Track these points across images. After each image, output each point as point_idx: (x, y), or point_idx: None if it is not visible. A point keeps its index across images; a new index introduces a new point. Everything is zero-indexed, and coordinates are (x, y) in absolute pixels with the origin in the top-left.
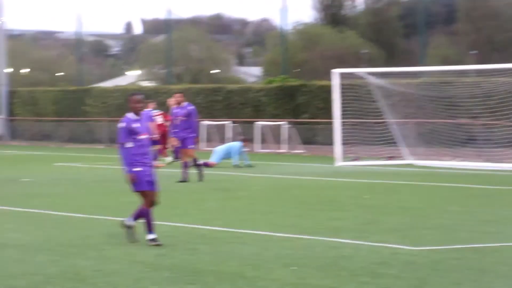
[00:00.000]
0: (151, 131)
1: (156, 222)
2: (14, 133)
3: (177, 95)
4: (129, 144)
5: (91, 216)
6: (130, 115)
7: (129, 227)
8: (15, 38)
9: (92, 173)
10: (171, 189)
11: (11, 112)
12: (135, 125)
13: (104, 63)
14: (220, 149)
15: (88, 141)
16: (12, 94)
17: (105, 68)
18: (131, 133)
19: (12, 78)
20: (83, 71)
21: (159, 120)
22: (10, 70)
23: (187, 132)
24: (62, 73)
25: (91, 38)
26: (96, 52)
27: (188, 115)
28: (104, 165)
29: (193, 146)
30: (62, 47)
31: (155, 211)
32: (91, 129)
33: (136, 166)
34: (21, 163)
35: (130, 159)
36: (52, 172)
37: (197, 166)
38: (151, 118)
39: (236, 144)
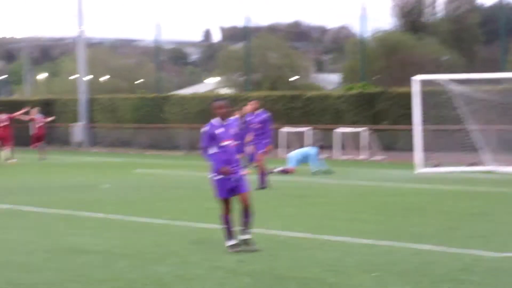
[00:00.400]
0: (236, 137)
1: (236, 229)
2: (94, 140)
3: (252, 102)
4: (213, 150)
5: (171, 222)
6: (215, 121)
7: (246, 242)
8: (95, 46)
9: (171, 179)
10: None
11: (91, 119)
12: (218, 131)
13: (183, 70)
14: (294, 154)
15: (167, 147)
16: (91, 102)
17: (183, 75)
18: (214, 138)
19: (91, 85)
20: (161, 79)
21: None
22: (90, 77)
23: (260, 139)
24: (141, 81)
25: (169, 46)
26: (174, 59)
27: (263, 122)
28: (183, 172)
29: (263, 151)
30: (141, 55)
31: (234, 218)
32: (170, 135)
33: (218, 173)
34: (101, 169)
35: (214, 166)
36: (132, 178)
37: (263, 173)
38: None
39: (312, 149)
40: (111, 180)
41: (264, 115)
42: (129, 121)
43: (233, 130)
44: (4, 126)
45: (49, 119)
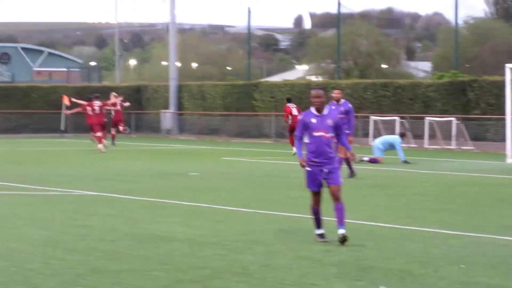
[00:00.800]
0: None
1: (324, 218)
2: (182, 127)
3: (336, 91)
4: (306, 140)
5: (258, 211)
6: (312, 109)
7: (343, 238)
8: (186, 32)
9: (259, 167)
10: None
11: (179, 107)
12: (312, 120)
13: (273, 57)
14: (379, 142)
15: (256, 135)
16: (180, 88)
17: (273, 62)
18: (307, 128)
19: (181, 72)
20: (251, 66)
21: (294, 112)
22: (179, 64)
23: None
24: (230, 68)
25: (260, 32)
26: (265, 46)
27: (346, 112)
28: (271, 160)
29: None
30: (232, 41)
31: (325, 209)
32: (259, 123)
33: (308, 165)
34: (189, 157)
35: (306, 156)
36: (220, 166)
37: (347, 163)
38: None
39: (396, 138)
40: (199, 168)
41: (347, 105)
42: (218, 108)
43: (330, 121)
44: (100, 113)
45: (126, 104)
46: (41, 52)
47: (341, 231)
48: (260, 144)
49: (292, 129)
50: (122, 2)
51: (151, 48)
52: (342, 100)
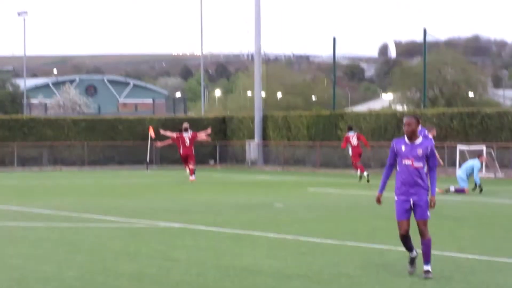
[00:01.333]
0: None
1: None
2: (267, 158)
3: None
4: (398, 168)
5: (345, 243)
6: (402, 137)
7: (427, 275)
8: (271, 62)
9: (346, 198)
10: None
11: (264, 137)
12: (401, 148)
13: (358, 86)
14: (461, 172)
15: (341, 166)
16: (265, 119)
17: (358, 91)
18: (397, 156)
19: (266, 102)
20: (336, 95)
21: (354, 141)
22: (264, 94)
23: None
24: (315, 97)
25: (345, 62)
26: (350, 75)
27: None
28: (358, 191)
29: None
30: (317, 71)
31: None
32: (345, 153)
33: (395, 193)
34: (274, 188)
35: (395, 185)
36: (305, 197)
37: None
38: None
39: (473, 160)
40: (284, 199)
41: (423, 131)
42: (303, 138)
43: (420, 151)
44: (190, 144)
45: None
46: (126, 84)
47: (427, 267)
48: (346, 174)
49: (354, 156)
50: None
51: (235, 78)
52: (419, 127)
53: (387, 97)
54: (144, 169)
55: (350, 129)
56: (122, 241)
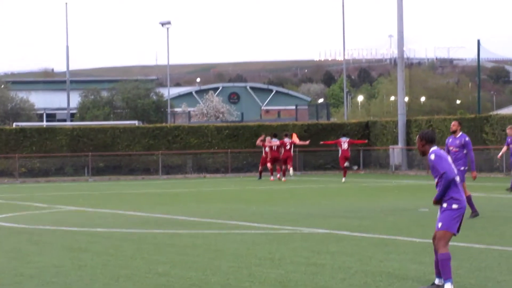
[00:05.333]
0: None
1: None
2: (411, 163)
3: (453, 123)
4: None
5: (490, 247)
6: None
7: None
8: (413, 67)
9: (490, 202)
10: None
11: (408, 142)
12: None
13: (503, 89)
14: None
15: (487, 169)
16: (409, 123)
17: (504, 94)
18: None
19: (409, 106)
20: (482, 98)
21: (344, 146)
22: (407, 98)
23: (457, 165)
24: (460, 101)
25: (489, 65)
26: (495, 78)
27: (462, 146)
28: (502, 195)
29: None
30: (461, 74)
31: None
32: (490, 157)
33: None
34: (419, 192)
35: None
36: None
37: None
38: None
39: None
40: (429, 204)
41: (464, 138)
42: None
43: None
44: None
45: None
46: (269, 90)
47: (436, 281)
48: (491, 178)
49: (341, 158)
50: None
51: (378, 83)
52: (460, 133)
53: None
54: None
55: (343, 135)
56: (266, 247)
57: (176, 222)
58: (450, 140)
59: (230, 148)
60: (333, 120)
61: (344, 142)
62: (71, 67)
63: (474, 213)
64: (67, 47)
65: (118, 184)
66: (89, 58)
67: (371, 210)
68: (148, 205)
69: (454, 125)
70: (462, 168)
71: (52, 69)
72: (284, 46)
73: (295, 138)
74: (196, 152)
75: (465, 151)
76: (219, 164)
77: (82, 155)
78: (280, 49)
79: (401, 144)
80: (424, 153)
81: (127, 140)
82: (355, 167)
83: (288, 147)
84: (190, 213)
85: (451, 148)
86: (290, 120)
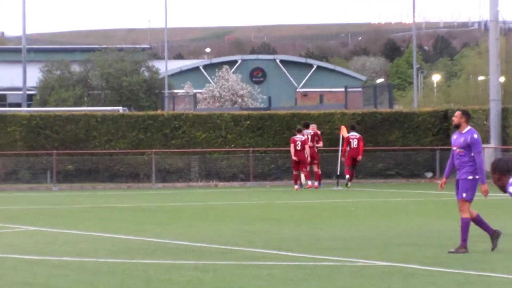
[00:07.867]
0: None
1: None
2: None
3: (456, 113)
4: None
5: None
6: None
7: None
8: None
9: None
10: None
11: (504, 139)
12: None
13: None
14: None
15: None
16: (505, 114)
17: None
18: None
19: (506, 90)
20: None
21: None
22: (503, 79)
23: (461, 173)
24: None
25: None
26: None
27: (467, 146)
28: None
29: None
30: None
31: None
32: None
33: None
34: None
35: None
36: None
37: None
38: None
39: None
40: None
41: (470, 135)
42: None
43: None
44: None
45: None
46: (308, 66)
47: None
48: None
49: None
50: None
51: (461, 57)
52: (467, 127)
53: None
54: (333, 185)
55: (352, 128)
56: (303, 286)
57: (175, 249)
58: (455, 137)
59: (252, 146)
60: (398, 107)
61: (354, 139)
62: (29, 31)
63: (494, 233)
64: (24, 0)
65: (93, 195)
66: (54, 18)
67: (452, 234)
68: (136, 225)
69: (456, 116)
70: (471, 177)
71: (2, 33)
72: (329, 4)
73: (344, 132)
74: (204, 151)
75: (472, 154)
76: (236, 169)
77: (44, 153)
78: (323, 9)
79: (494, 143)
80: (504, 189)
81: (107, 134)
82: (430, 174)
83: (310, 143)
84: (194, 237)
85: (454, 148)
86: (337, 107)
